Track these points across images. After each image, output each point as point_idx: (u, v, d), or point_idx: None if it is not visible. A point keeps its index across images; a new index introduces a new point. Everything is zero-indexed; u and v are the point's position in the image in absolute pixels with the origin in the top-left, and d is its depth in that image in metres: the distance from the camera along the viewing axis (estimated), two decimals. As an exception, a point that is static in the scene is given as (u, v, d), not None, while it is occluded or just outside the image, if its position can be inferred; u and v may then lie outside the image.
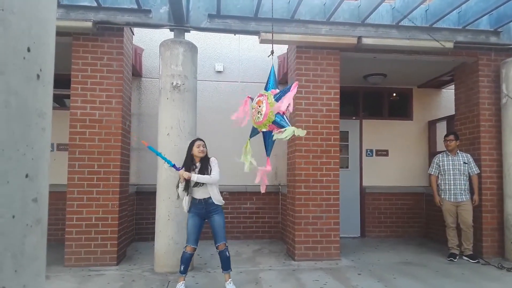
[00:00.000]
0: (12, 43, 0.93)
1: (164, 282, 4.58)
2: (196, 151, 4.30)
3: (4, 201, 0.90)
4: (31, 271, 1.00)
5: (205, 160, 4.33)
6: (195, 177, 4.15)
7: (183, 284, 4.24)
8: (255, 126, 3.41)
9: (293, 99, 3.27)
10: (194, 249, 4.27)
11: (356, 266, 5.37)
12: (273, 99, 3.23)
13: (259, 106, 3.27)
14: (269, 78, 3.50)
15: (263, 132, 3.39)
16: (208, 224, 4.38)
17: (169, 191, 4.98)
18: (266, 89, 3.45)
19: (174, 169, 4.22)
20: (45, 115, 1.06)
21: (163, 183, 5.04)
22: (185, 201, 4.29)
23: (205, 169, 4.27)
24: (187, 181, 4.19)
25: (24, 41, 0.97)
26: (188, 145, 4.45)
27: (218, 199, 4.29)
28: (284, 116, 3.25)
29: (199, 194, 4.26)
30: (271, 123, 3.24)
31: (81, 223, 5.18)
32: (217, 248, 4.32)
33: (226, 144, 6.99)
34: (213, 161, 4.34)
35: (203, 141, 4.40)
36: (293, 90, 3.23)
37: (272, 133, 3.32)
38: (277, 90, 3.34)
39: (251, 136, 3.66)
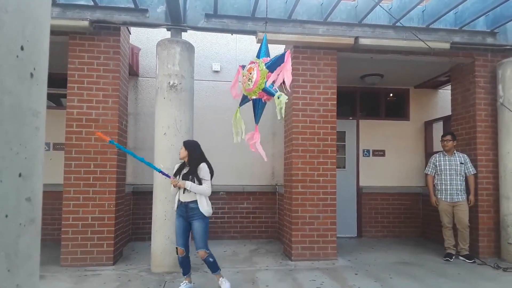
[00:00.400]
0: (5, 42, 0.92)
1: (160, 282, 4.57)
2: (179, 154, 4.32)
3: (-3, 201, 0.90)
4: (25, 271, 1.00)
5: (192, 164, 4.16)
6: (188, 185, 4.04)
7: (185, 284, 4.23)
8: (245, 94, 3.44)
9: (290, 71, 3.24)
10: (184, 251, 4.15)
11: (353, 266, 5.38)
12: (264, 67, 3.27)
13: (250, 73, 3.30)
14: (261, 46, 3.54)
15: (253, 99, 3.42)
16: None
17: (166, 191, 4.97)
18: (258, 57, 3.47)
19: (163, 174, 4.17)
20: (39, 114, 1.05)
21: (159, 183, 5.03)
22: (176, 199, 4.27)
23: (191, 172, 4.12)
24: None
25: (18, 40, 0.96)
26: (181, 144, 4.45)
27: (206, 210, 4.12)
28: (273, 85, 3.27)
29: (184, 196, 4.13)
30: (261, 90, 3.27)
31: (77, 223, 5.17)
32: (196, 254, 4.25)
33: (223, 143, 6.98)
34: (203, 169, 4.13)
35: (183, 144, 4.26)
36: (288, 61, 3.20)
37: (263, 101, 3.38)
38: (268, 58, 3.36)
39: (241, 104, 3.69)
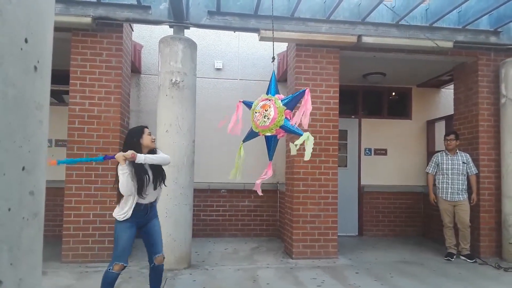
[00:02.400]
0: (10, 34, 0.92)
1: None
2: (147, 140, 3.43)
3: (0, 194, 0.89)
4: (28, 264, 0.99)
5: (153, 153, 3.50)
6: (142, 157, 3.25)
7: None
8: (257, 130, 3.35)
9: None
10: (124, 268, 3.33)
11: (354, 265, 5.38)
12: (281, 104, 3.21)
13: (266, 111, 3.23)
14: (270, 82, 3.48)
15: (266, 136, 3.33)
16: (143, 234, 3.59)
17: (167, 188, 4.96)
18: (268, 93, 3.40)
19: (107, 159, 3.46)
20: (42, 108, 1.05)
21: (161, 180, 5.03)
22: (129, 205, 3.33)
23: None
24: (139, 173, 3.31)
25: (22, 32, 0.96)
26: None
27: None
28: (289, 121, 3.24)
29: (149, 197, 3.42)
30: (278, 128, 3.20)
31: (78, 219, 5.17)
32: (154, 261, 3.49)
33: (225, 141, 6.97)
34: (159, 151, 3.61)
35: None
36: (308, 100, 3.15)
37: (277, 138, 3.33)
38: (282, 96, 3.32)
39: (245, 140, 3.61)
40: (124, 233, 3.31)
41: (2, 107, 0.89)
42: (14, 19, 0.93)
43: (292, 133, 3.30)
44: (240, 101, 3.60)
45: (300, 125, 3.22)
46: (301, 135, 3.07)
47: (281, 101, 3.24)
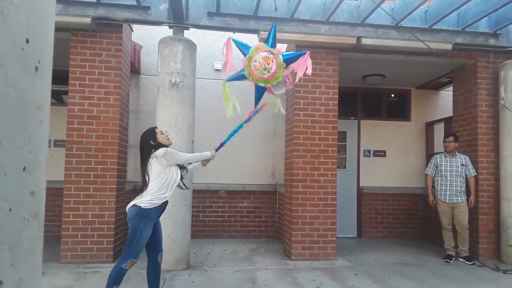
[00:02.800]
0: (11, 34, 0.92)
1: (160, 280, 4.56)
2: (163, 139, 3.54)
3: (1, 194, 0.89)
4: (28, 264, 0.99)
5: None
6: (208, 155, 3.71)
7: None
8: (250, 78, 3.41)
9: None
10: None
11: (353, 266, 5.38)
12: (282, 60, 3.28)
13: (267, 64, 3.28)
14: (270, 34, 3.53)
15: (257, 85, 3.42)
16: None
17: (166, 189, 4.97)
18: (268, 43, 3.45)
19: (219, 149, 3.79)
20: (43, 108, 1.05)
21: (160, 181, 5.02)
22: (162, 197, 3.46)
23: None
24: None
25: (23, 33, 0.96)
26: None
27: None
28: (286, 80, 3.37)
29: (171, 193, 3.54)
30: (275, 83, 3.32)
31: (77, 220, 5.16)
32: (158, 258, 3.59)
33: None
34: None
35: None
36: (306, 62, 3.28)
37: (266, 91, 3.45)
38: (282, 50, 3.40)
39: (229, 80, 3.65)
40: (147, 231, 3.38)
41: (3, 108, 0.89)
42: (16, 19, 0.93)
43: (297, 58, 3.42)
44: (229, 39, 3.60)
45: (290, 82, 3.36)
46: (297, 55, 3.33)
47: (282, 56, 3.32)
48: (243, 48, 3.49)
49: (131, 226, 3.38)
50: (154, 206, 3.39)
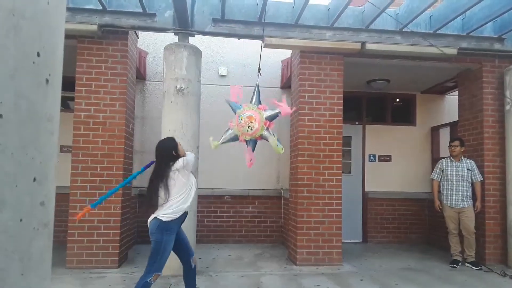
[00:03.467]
0: (23, 48, 0.94)
1: (165, 285, 4.57)
2: (182, 150, 3.55)
3: (12, 204, 0.91)
4: (38, 274, 1.01)
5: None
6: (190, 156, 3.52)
7: None
8: (238, 134, 3.79)
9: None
10: None
11: (358, 272, 5.36)
12: (264, 117, 3.74)
13: (251, 122, 3.69)
14: (255, 92, 4.02)
15: (246, 140, 3.80)
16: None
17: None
18: (253, 103, 3.92)
19: (150, 165, 3.67)
20: (53, 119, 1.07)
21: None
22: (181, 208, 3.43)
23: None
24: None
25: (34, 46, 0.98)
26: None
27: None
28: (269, 129, 3.79)
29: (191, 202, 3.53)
30: (258, 136, 3.76)
31: (83, 225, 5.19)
32: (192, 262, 3.65)
33: (229, 148, 6.98)
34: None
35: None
36: (284, 106, 3.75)
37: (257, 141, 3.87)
38: (266, 107, 3.85)
39: (223, 142, 3.98)
40: (170, 244, 3.40)
41: (15, 120, 0.91)
42: (27, 33, 0.95)
43: (276, 116, 3.86)
44: (240, 87, 4.08)
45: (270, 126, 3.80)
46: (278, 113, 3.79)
47: (265, 112, 3.78)
48: (234, 107, 3.92)
49: (153, 240, 3.37)
50: (175, 218, 3.39)
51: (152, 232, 3.38)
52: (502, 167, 5.97)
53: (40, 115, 1.00)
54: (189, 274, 3.67)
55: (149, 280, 3.30)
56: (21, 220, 0.94)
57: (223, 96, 7.39)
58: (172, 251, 3.49)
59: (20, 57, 0.93)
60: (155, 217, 3.38)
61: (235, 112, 3.86)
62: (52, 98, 1.05)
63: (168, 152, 3.46)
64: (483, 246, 5.90)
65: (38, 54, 0.99)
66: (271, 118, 3.79)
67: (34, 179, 0.98)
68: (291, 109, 3.81)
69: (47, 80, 1.03)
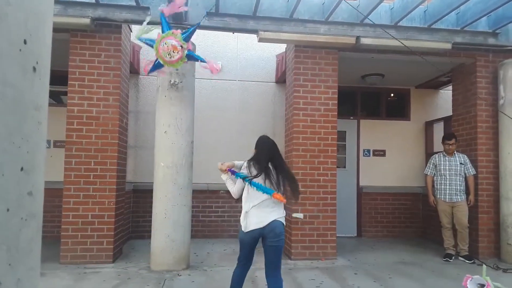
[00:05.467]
0: (8, 35, 0.92)
1: (160, 280, 4.57)
2: None
3: (-1, 194, 0.89)
4: (26, 265, 0.99)
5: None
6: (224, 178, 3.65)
7: None
8: (162, 62, 3.74)
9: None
10: None
11: (353, 266, 5.38)
12: (185, 55, 3.70)
13: (173, 52, 3.65)
14: (190, 29, 3.87)
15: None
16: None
17: (165, 189, 4.97)
18: (183, 37, 3.77)
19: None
20: (41, 108, 1.05)
21: (160, 181, 5.03)
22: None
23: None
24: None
25: (21, 33, 0.96)
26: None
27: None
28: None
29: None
30: (185, 61, 3.78)
31: (77, 220, 5.16)
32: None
33: (223, 142, 6.99)
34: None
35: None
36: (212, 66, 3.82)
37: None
38: (179, 31, 3.76)
39: (151, 71, 3.90)
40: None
41: (1, 108, 0.89)
42: (13, 20, 0.93)
43: (197, 59, 3.92)
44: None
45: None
46: (203, 61, 3.84)
47: (182, 35, 3.71)
48: (165, 27, 3.82)
49: (283, 244, 3.40)
50: None
51: (281, 234, 3.32)
52: (495, 161, 6.01)
53: (26, 104, 0.98)
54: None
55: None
56: (8, 210, 0.92)
57: (217, 90, 7.39)
58: (248, 250, 3.68)
59: (6, 45, 0.91)
60: (279, 220, 3.31)
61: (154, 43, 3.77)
62: (39, 86, 1.03)
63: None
64: (476, 240, 5.95)
65: (25, 42, 0.97)
66: (193, 59, 3.88)
67: (21, 169, 0.97)
68: (216, 69, 3.83)
69: (34, 68, 1.01)
